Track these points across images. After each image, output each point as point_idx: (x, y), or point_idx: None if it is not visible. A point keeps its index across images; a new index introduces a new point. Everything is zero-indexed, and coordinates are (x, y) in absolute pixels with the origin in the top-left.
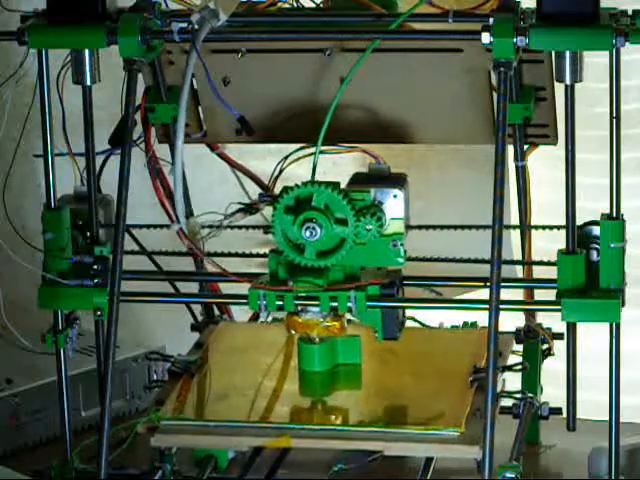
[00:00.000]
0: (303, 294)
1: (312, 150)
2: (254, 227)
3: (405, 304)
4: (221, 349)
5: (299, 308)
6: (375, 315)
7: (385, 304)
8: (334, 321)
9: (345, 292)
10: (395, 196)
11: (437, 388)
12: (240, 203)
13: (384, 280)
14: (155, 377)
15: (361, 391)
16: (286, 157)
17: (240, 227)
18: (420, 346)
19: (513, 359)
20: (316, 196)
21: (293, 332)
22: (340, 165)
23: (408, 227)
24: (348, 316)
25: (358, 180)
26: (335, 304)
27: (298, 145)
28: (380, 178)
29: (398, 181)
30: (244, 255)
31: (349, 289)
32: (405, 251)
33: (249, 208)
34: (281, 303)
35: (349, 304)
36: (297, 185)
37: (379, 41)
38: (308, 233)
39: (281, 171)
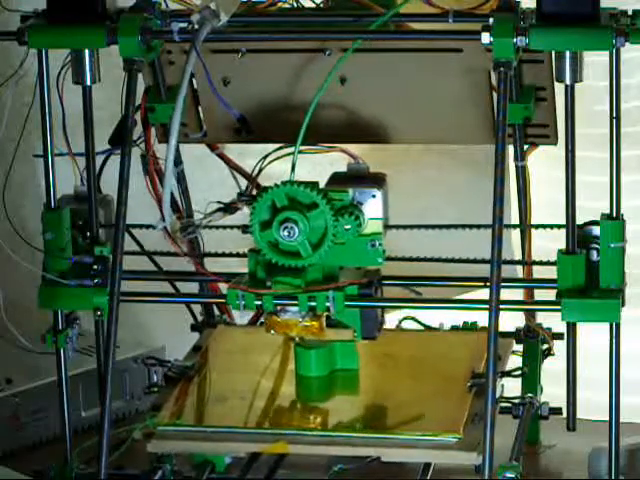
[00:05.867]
0: (281, 294)
1: (290, 150)
2: (231, 227)
3: (383, 304)
4: (219, 352)
5: (278, 308)
6: (354, 315)
7: (363, 304)
8: (313, 321)
9: (323, 292)
10: (374, 196)
11: (435, 393)
12: (219, 202)
13: (362, 280)
14: (155, 378)
15: (358, 396)
16: (265, 156)
17: (217, 227)
18: (418, 350)
19: (513, 360)
20: (275, 197)
21: (272, 332)
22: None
23: (387, 227)
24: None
25: (337, 180)
26: (313, 304)
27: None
28: (359, 178)
29: (377, 181)
30: (239, 255)
31: (327, 289)
32: (384, 251)
33: (228, 208)
34: (260, 303)
35: (327, 304)
36: (256, 197)
37: (362, 41)
38: (286, 233)
39: (260, 170)
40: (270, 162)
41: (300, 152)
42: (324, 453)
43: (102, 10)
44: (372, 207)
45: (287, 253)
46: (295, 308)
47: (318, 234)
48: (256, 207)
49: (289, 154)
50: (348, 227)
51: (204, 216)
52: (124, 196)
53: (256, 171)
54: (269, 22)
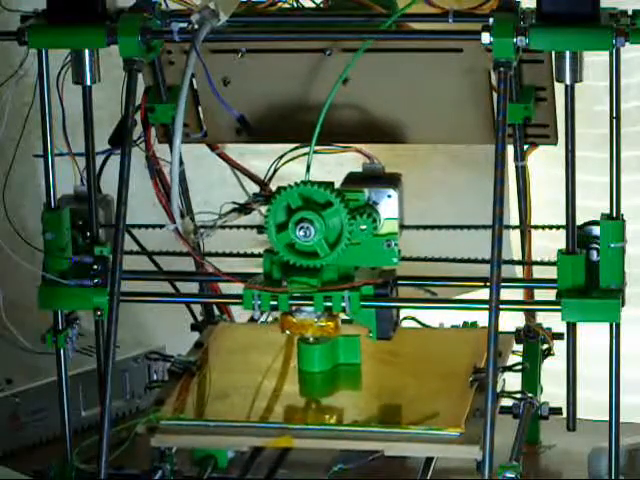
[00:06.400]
0: (297, 294)
1: (306, 150)
2: (246, 227)
3: (399, 304)
4: (221, 349)
5: (293, 308)
6: (369, 315)
7: (379, 304)
8: (329, 321)
9: (339, 292)
10: (389, 196)
11: (437, 388)
12: (234, 203)
13: (378, 280)
14: (155, 377)
15: (361, 391)
16: (280, 157)
17: (232, 227)
18: (420, 346)
19: (513, 359)
20: (289, 198)
21: (288, 332)
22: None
23: (403, 227)
24: (345, 317)
25: (352, 180)
26: (329, 304)
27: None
28: (374, 178)
29: (392, 181)
30: (245, 255)
31: (343, 289)
32: (399, 251)
33: (243, 208)
34: (275, 303)
35: (343, 304)
36: (270, 199)
37: (372, 41)
38: (303, 233)
39: (275, 171)
40: (285, 162)
41: (315, 152)
42: (327, 447)
43: (102, 10)
44: (388, 207)
45: (304, 253)
46: (310, 308)
47: (335, 233)
48: (271, 209)
49: (305, 154)
50: (364, 227)
51: (219, 217)
52: (124, 196)
53: (271, 172)
54: (269, 22)
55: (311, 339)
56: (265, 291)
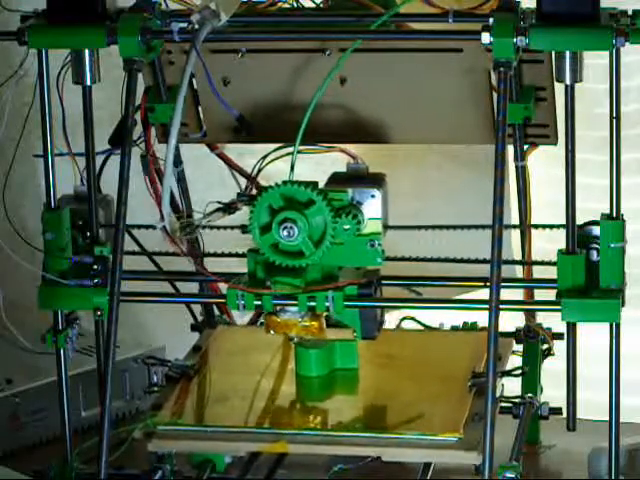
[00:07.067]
0: (281, 294)
1: (290, 149)
2: (232, 227)
3: (382, 304)
4: (219, 353)
5: (278, 308)
6: (353, 315)
7: (362, 304)
8: (312, 321)
9: (323, 292)
10: (373, 196)
11: (435, 393)
12: (218, 202)
13: (362, 280)
14: (155, 378)
15: (358, 396)
16: (264, 156)
17: (219, 227)
18: (418, 349)
19: (513, 360)
20: (271, 199)
21: (272, 332)
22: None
23: (387, 227)
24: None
25: (336, 180)
26: (313, 304)
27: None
28: (358, 178)
29: (376, 181)
30: (231, 255)
31: (327, 289)
32: (383, 251)
33: (228, 208)
34: (259, 303)
35: (327, 304)
36: (254, 199)
37: (363, 41)
38: (286, 233)
39: (260, 170)
40: (270, 162)
41: (299, 152)
42: (324, 453)
43: (102, 10)
44: (371, 207)
45: (289, 254)
46: (294, 308)
47: (318, 231)
48: (254, 211)
49: (288, 154)
50: (347, 227)
51: (203, 216)
52: (124, 196)
53: (255, 171)
54: (269, 22)
55: (295, 339)
56: (248, 291)
